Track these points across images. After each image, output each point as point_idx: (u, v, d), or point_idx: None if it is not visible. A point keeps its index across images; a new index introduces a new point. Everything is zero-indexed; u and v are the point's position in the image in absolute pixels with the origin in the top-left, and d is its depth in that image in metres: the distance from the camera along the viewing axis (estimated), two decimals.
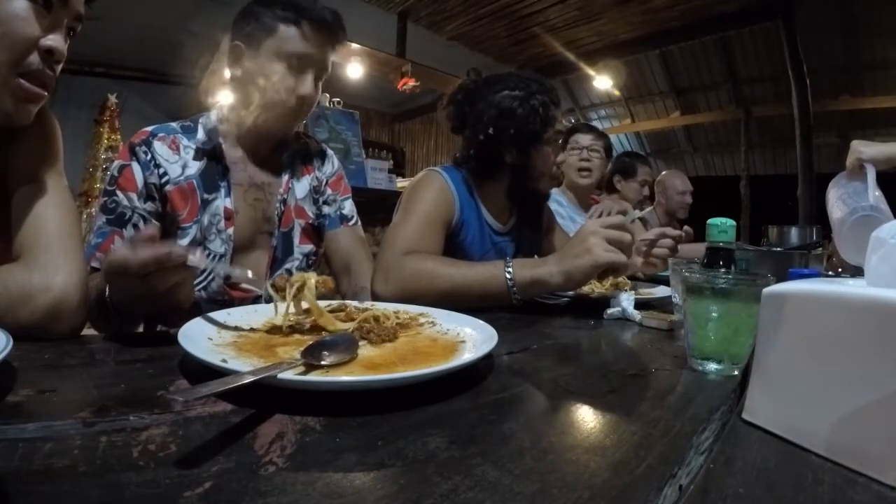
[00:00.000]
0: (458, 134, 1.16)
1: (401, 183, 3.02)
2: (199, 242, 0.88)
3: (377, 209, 2.53)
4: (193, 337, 0.48)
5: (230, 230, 0.90)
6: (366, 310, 0.66)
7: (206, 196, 0.89)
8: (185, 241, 0.86)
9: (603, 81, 5.71)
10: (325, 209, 1.05)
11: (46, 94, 0.59)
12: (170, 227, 0.87)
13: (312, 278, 0.62)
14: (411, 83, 4.61)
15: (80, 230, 0.63)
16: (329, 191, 1.06)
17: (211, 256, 0.89)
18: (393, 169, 3.22)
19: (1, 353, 0.36)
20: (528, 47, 5.41)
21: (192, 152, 0.91)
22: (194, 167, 0.90)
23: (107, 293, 0.64)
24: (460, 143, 1.16)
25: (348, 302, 0.72)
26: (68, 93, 4.66)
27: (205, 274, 0.89)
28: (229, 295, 0.91)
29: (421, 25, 4.91)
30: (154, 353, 0.51)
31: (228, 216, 0.90)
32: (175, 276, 0.55)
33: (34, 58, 0.55)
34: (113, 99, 4.14)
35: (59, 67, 0.59)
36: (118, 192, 0.85)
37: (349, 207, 1.08)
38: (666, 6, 4.51)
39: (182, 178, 0.88)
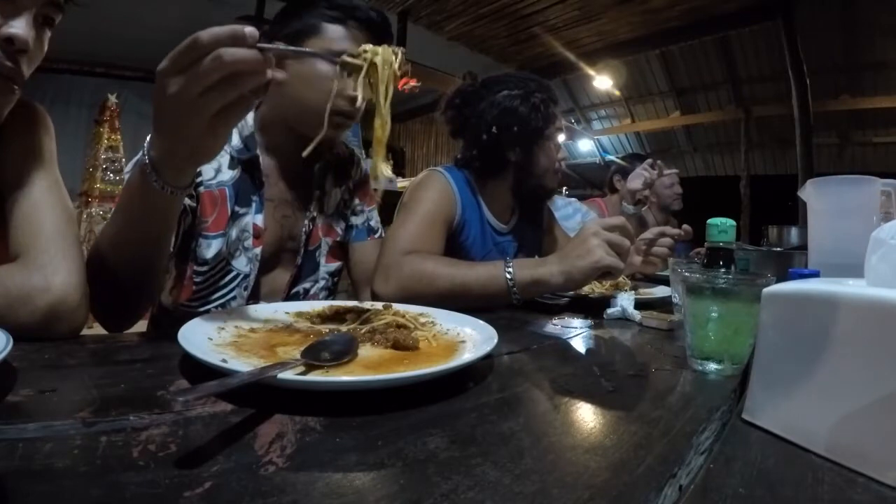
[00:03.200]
0: (459, 138, 1.17)
1: (401, 183, 3.02)
2: (224, 257, 0.83)
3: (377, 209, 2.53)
4: (193, 337, 0.48)
5: (258, 249, 0.85)
6: (379, 311, 0.65)
7: (237, 209, 0.83)
8: (209, 254, 0.81)
9: (603, 81, 5.71)
10: (353, 219, 1.01)
11: (16, 87, 0.54)
12: (197, 227, 0.82)
13: (389, 52, 0.58)
14: (411, 83, 4.60)
15: (76, 228, 0.62)
16: (357, 200, 1.02)
17: (234, 275, 0.84)
18: (393, 169, 3.22)
19: (1, 353, 0.36)
20: (528, 47, 5.41)
21: (226, 157, 0.84)
22: (227, 175, 0.83)
23: (145, 150, 0.54)
24: (461, 145, 1.17)
25: (351, 302, 0.72)
26: (68, 93, 4.67)
27: (227, 290, 0.84)
28: None
29: (421, 25, 4.91)
30: (154, 353, 0.51)
31: (258, 234, 0.85)
32: (242, 80, 0.46)
33: None
34: (113, 99, 4.14)
35: (28, 59, 0.55)
36: None
37: (376, 219, 1.05)
38: (666, 6, 4.50)
39: (214, 182, 0.82)
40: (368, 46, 0.58)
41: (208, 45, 0.44)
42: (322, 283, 0.95)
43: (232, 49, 0.44)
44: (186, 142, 0.51)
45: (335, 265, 0.97)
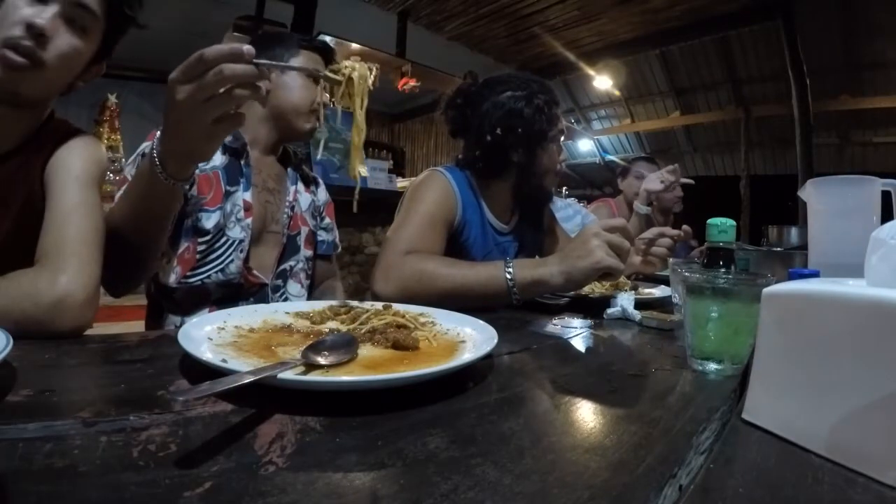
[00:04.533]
0: (459, 138, 1.16)
1: (401, 183, 3.02)
2: (221, 227, 0.95)
3: (377, 209, 2.53)
4: (193, 337, 0.48)
5: (249, 220, 0.98)
6: (379, 311, 0.65)
7: (228, 188, 0.97)
8: (209, 224, 0.94)
9: (603, 81, 5.72)
10: (322, 234, 1.19)
11: (26, 62, 0.61)
12: (192, 208, 0.93)
13: (365, 68, 0.67)
14: (411, 83, 4.62)
15: (101, 241, 0.64)
16: (327, 218, 1.20)
17: (230, 242, 0.96)
18: (393, 169, 3.23)
19: (1, 353, 0.36)
20: (528, 47, 5.41)
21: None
22: (218, 160, 0.97)
23: (154, 144, 0.63)
24: (461, 145, 1.17)
25: (352, 302, 0.72)
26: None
27: (225, 255, 0.95)
28: (244, 278, 0.98)
29: (421, 25, 4.92)
30: (154, 353, 0.51)
31: (247, 207, 0.99)
32: (239, 90, 0.54)
33: (17, 31, 0.60)
34: (113, 99, 4.15)
35: (52, 49, 0.63)
36: None
37: (336, 238, 1.24)
38: (666, 6, 4.51)
39: (208, 167, 0.96)
40: (347, 62, 0.69)
41: (212, 60, 0.52)
42: (300, 263, 1.09)
43: (232, 64, 0.52)
44: (188, 142, 0.59)
45: (309, 252, 1.12)
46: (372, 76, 0.67)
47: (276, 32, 1.11)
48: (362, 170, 0.69)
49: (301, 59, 1.05)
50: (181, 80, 0.53)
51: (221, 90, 0.53)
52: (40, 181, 0.67)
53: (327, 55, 1.10)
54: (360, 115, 0.68)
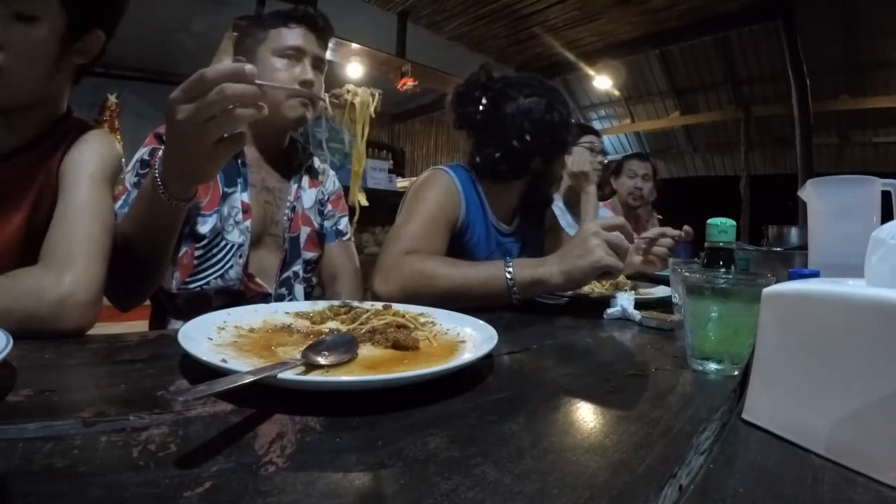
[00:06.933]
0: (465, 131, 1.14)
1: (401, 183, 3.03)
2: (219, 231, 0.93)
3: (377, 209, 2.52)
4: (193, 337, 0.48)
5: (247, 222, 0.95)
6: (379, 311, 0.65)
7: (225, 189, 0.94)
8: (205, 229, 0.91)
9: (603, 81, 5.71)
10: (325, 223, 1.13)
11: None
12: (189, 213, 0.90)
13: (367, 94, 0.67)
14: (411, 83, 4.62)
15: (109, 240, 0.64)
16: (329, 207, 1.14)
17: (229, 247, 0.94)
18: (393, 169, 3.23)
19: (1, 353, 0.36)
20: (528, 47, 5.41)
21: None
22: None
23: (157, 165, 0.62)
24: (464, 143, 1.16)
25: (352, 302, 0.72)
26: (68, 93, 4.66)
27: (223, 261, 0.93)
28: (244, 285, 0.95)
29: (421, 25, 4.92)
30: (154, 353, 0.51)
31: (246, 209, 0.96)
32: (241, 109, 0.52)
33: None
34: (113, 99, 4.14)
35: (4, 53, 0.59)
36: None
37: (344, 224, 1.16)
38: (666, 6, 4.51)
39: None
40: (350, 87, 0.69)
41: (213, 80, 0.51)
42: (300, 267, 1.05)
43: (233, 84, 0.51)
44: (190, 163, 0.59)
45: (312, 254, 1.07)
46: (374, 102, 0.67)
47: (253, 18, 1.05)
48: (361, 198, 0.70)
49: (279, 35, 0.97)
50: (182, 99, 0.52)
51: (223, 110, 0.52)
52: (55, 179, 0.66)
53: (313, 23, 1.00)
54: (360, 144, 0.68)
